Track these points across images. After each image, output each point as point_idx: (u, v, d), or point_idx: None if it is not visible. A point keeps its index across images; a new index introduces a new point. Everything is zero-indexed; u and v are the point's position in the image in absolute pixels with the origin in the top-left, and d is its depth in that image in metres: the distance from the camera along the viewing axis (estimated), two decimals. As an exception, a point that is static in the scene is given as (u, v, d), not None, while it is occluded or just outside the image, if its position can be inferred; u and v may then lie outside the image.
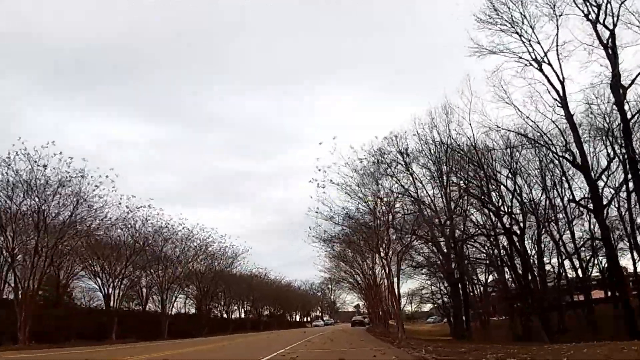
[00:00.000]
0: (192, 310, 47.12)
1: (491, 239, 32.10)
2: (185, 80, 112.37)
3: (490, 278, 39.43)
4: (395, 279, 32.69)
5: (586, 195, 23.58)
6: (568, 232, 27.56)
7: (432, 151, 25.63)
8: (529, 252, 32.30)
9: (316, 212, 24.84)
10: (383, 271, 35.39)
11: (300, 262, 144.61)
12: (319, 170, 23.35)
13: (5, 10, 66.19)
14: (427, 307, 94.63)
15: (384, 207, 30.03)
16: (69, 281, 34.39)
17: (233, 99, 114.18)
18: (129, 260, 31.05)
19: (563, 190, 25.89)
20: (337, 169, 24.02)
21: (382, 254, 31.62)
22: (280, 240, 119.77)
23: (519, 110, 23.62)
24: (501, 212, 23.81)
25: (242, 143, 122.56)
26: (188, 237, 36.84)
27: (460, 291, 33.13)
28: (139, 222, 30.31)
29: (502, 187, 24.20)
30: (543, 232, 27.29)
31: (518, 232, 23.51)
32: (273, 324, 64.09)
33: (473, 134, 23.74)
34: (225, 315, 53.36)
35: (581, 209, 24.47)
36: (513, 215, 23.97)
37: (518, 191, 24.41)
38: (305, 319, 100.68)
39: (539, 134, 23.73)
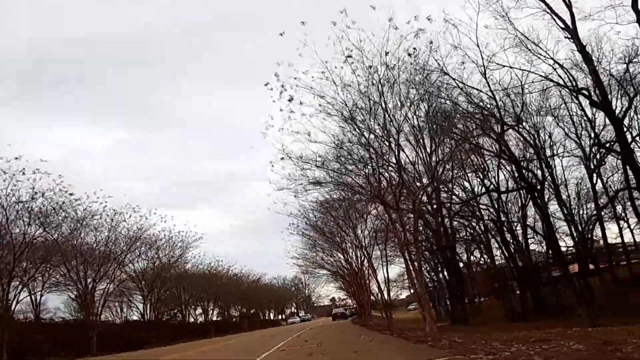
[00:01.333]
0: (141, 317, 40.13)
1: (477, 213, 28.12)
2: (150, 82, 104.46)
3: (472, 258, 35.70)
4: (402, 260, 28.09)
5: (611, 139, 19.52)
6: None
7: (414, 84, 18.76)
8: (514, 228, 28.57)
9: (283, 157, 16.50)
10: (364, 253, 30.74)
11: (273, 263, 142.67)
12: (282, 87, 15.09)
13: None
14: (403, 294, 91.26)
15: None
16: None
17: (199, 98, 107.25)
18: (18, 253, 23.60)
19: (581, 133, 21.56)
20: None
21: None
22: (250, 242, 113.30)
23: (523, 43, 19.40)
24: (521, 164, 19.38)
25: (213, 143, 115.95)
26: (115, 221, 29.78)
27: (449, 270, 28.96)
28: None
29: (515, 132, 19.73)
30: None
31: (538, 186, 19.13)
32: (243, 324, 58.35)
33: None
34: (191, 320, 47.60)
35: (607, 153, 20.24)
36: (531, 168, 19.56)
37: (533, 139, 20.02)
38: (280, 317, 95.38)
39: (549, 71, 19.46)
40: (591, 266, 26.01)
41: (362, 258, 29.66)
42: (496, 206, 26.47)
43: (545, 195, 20.54)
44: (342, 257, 32.34)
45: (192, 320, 48.97)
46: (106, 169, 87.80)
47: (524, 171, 20.49)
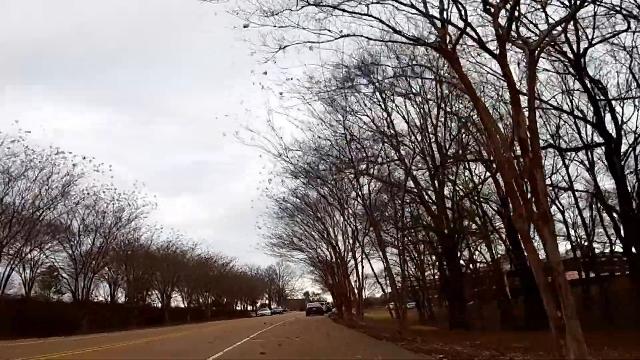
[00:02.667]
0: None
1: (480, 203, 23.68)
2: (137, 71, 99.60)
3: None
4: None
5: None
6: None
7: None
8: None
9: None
10: (348, 241, 26.09)
11: (252, 252, 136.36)
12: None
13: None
14: (378, 293, 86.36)
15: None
16: None
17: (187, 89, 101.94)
18: None
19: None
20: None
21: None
22: (231, 231, 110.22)
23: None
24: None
25: (196, 134, 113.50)
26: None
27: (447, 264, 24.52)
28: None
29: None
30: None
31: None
32: (207, 313, 53.10)
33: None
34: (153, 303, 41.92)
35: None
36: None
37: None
38: (252, 308, 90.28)
39: None
40: None
41: (349, 243, 25.10)
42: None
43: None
44: (323, 243, 27.72)
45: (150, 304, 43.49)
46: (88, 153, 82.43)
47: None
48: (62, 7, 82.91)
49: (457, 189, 23.53)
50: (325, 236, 27.11)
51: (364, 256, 24.35)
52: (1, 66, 70.16)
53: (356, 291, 31.19)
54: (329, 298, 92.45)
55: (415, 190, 22.70)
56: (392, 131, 21.11)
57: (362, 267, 29.02)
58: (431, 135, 22.10)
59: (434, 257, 34.71)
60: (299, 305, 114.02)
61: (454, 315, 23.77)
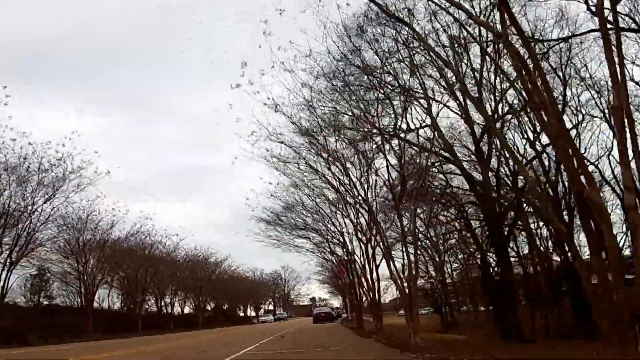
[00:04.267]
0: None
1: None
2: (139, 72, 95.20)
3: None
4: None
5: None
6: None
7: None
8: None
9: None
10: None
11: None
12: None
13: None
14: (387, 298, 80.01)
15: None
16: None
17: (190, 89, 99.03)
18: None
19: None
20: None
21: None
22: (232, 233, 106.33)
23: None
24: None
25: (198, 135, 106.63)
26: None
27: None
28: None
29: None
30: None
31: None
32: (197, 320, 47.40)
33: None
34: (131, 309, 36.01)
35: None
36: None
37: None
38: (256, 314, 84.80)
39: None
40: None
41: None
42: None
43: None
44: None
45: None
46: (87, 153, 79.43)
47: None
48: (62, 7, 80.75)
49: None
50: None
51: (382, 247, 18.92)
52: (1, 66, 68.27)
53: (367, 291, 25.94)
54: (335, 303, 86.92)
55: (452, 159, 17.35)
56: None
57: (377, 264, 23.81)
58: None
59: (459, 256, 29.37)
60: (304, 312, 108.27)
61: (503, 322, 18.24)
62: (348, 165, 17.93)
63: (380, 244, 19.08)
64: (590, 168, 16.87)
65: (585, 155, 17.90)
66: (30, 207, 25.48)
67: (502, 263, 17.88)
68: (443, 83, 15.77)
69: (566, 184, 18.27)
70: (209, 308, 60.43)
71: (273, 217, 26.15)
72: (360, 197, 18.68)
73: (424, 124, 16.98)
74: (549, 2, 14.73)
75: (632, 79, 16.40)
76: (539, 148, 18.42)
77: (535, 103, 8.96)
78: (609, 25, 8.88)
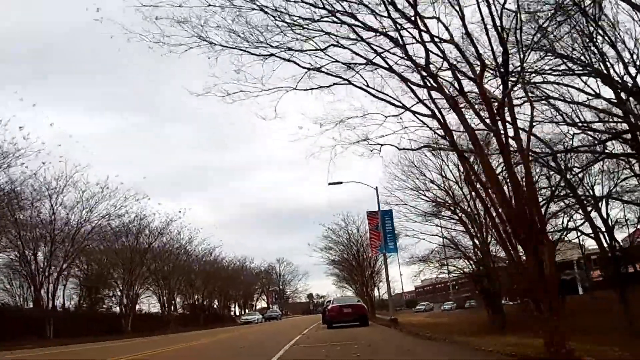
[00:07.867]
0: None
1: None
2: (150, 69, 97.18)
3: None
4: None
5: None
6: None
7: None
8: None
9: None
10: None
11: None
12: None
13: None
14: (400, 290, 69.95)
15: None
16: None
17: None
18: None
19: None
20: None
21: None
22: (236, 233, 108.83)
23: None
24: None
25: (208, 134, 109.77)
26: None
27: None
28: None
29: None
30: None
31: None
32: (119, 326, 32.63)
33: None
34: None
35: None
36: None
37: None
38: (244, 311, 74.04)
39: None
40: None
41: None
42: None
43: None
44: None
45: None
46: (93, 156, 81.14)
47: None
48: (61, 6, 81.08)
49: None
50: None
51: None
52: (1, 66, 67.07)
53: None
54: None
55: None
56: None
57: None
58: None
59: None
60: (302, 310, 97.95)
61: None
62: None
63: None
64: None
65: None
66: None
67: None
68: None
69: None
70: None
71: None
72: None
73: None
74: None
75: None
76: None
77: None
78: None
